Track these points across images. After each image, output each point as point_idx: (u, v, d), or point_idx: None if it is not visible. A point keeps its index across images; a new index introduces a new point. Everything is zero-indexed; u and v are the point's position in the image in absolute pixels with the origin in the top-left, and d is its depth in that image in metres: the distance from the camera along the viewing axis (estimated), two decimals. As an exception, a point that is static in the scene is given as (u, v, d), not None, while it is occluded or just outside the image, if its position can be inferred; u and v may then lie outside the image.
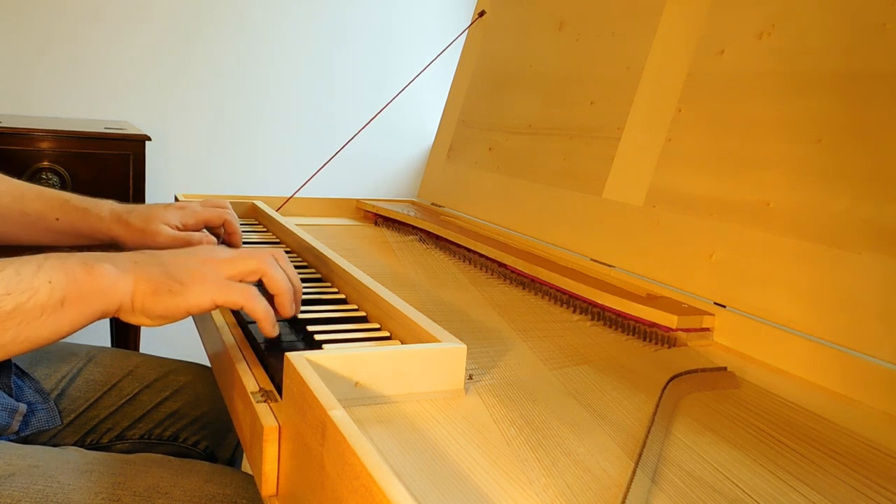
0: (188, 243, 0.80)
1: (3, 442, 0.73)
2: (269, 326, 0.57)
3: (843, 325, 0.62)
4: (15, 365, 0.82)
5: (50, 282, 0.52)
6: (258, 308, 0.56)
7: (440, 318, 0.68)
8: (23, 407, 0.80)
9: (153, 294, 0.55)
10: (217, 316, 0.68)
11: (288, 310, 0.60)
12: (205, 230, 0.87)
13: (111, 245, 0.84)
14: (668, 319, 0.71)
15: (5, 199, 0.82)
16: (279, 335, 0.61)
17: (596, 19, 1.05)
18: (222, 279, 0.57)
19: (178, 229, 0.83)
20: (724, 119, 0.78)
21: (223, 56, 2.12)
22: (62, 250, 0.57)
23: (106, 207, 0.84)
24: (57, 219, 0.84)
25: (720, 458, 0.48)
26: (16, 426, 0.78)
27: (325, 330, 0.61)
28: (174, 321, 0.57)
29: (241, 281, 0.58)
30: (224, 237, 0.88)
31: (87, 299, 0.53)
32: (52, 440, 0.84)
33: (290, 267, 0.62)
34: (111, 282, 0.54)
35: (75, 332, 0.54)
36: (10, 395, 0.80)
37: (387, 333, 0.62)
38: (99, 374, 0.92)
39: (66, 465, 0.68)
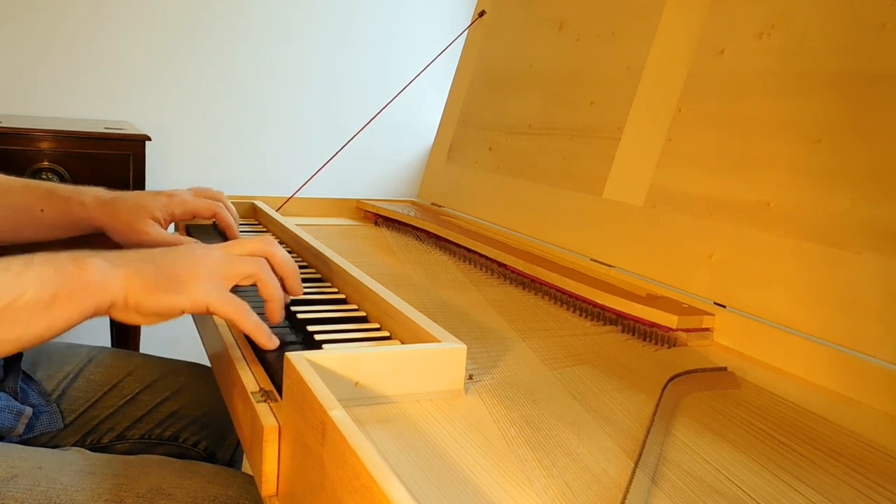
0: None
1: (5, 444, 0.73)
2: (264, 338, 0.56)
3: (843, 325, 0.62)
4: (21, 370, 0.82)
5: (40, 277, 0.50)
6: (249, 323, 0.56)
7: (440, 318, 0.68)
8: (28, 410, 0.80)
9: (148, 290, 0.53)
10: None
11: (277, 316, 0.60)
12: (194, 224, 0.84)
13: (97, 235, 0.82)
14: (668, 319, 0.71)
15: None
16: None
17: (596, 19, 1.05)
18: (219, 284, 0.56)
19: (165, 220, 0.80)
20: (724, 119, 0.78)
21: (223, 56, 2.12)
22: (49, 248, 0.56)
23: (90, 195, 0.82)
24: (42, 210, 0.81)
25: (720, 458, 0.48)
26: (21, 429, 0.78)
27: (325, 330, 0.61)
28: (167, 319, 0.56)
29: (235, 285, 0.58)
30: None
31: (78, 295, 0.51)
32: (53, 440, 0.84)
33: (283, 253, 0.62)
34: (102, 276, 0.52)
35: (68, 329, 0.53)
36: (17, 399, 0.80)
37: (387, 333, 0.62)
38: (99, 374, 0.92)
39: (69, 466, 0.68)
